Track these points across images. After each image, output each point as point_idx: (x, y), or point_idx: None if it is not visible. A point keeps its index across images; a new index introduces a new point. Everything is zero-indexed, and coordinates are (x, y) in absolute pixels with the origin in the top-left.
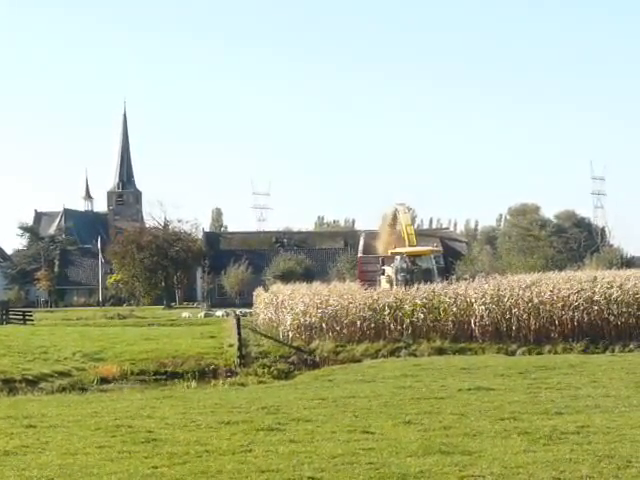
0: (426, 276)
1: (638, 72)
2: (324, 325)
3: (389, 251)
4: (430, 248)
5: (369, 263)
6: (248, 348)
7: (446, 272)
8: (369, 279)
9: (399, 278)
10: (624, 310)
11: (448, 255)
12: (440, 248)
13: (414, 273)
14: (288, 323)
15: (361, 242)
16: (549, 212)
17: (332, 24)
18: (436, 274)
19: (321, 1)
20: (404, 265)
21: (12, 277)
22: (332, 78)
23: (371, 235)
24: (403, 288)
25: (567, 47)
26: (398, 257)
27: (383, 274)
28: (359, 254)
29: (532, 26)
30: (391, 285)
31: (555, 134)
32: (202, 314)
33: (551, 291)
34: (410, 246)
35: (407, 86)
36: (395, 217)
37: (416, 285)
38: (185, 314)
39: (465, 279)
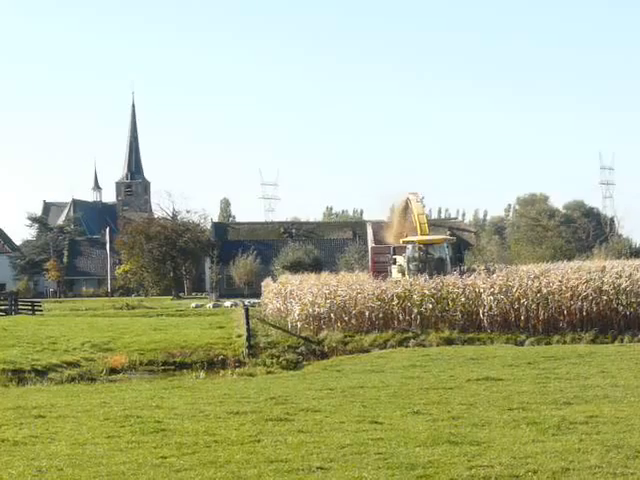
0: (439, 266)
1: None
2: (332, 315)
3: (401, 240)
4: (443, 237)
5: (381, 254)
6: (256, 338)
7: (459, 262)
8: (382, 270)
9: (411, 267)
10: (633, 300)
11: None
12: (453, 237)
13: (427, 262)
14: (296, 313)
15: (369, 232)
16: (558, 202)
17: (338, 14)
18: (449, 264)
19: None
20: (416, 254)
21: (21, 267)
22: (339, 68)
23: (380, 225)
24: (415, 278)
25: (576, 38)
26: (410, 246)
27: (395, 263)
28: (370, 244)
29: (541, 18)
30: (403, 275)
31: (564, 124)
32: (210, 304)
33: (560, 281)
34: (422, 235)
35: (415, 75)
36: (407, 206)
37: (427, 275)
38: (194, 304)
39: (473, 270)
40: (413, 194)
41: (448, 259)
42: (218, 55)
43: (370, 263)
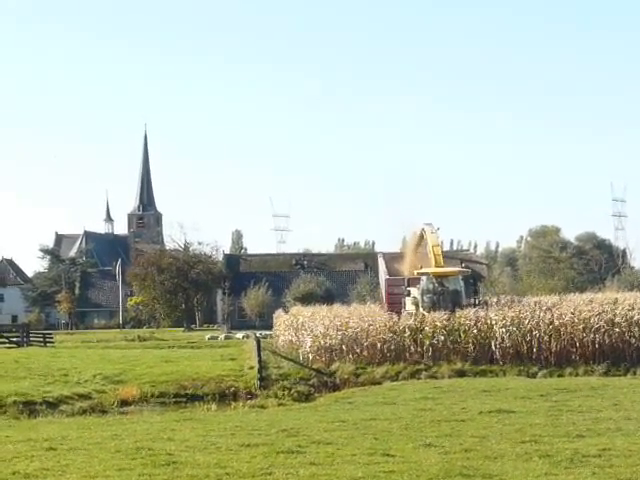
0: (453, 298)
1: None
2: (344, 347)
3: (415, 272)
4: (458, 269)
5: (396, 285)
6: (268, 370)
7: (475, 294)
8: (396, 302)
9: (425, 300)
10: None
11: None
12: (468, 269)
13: (441, 295)
14: (308, 345)
15: (381, 264)
16: (569, 234)
17: (350, 44)
18: (464, 296)
19: (339, 22)
20: (430, 286)
21: (33, 299)
22: (351, 100)
23: (392, 257)
24: (429, 310)
25: (586, 68)
26: (424, 278)
27: (408, 295)
28: (383, 276)
29: (553, 49)
30: (417, 307)
31: (575, 156)
32: (222, 336)
33: (572, 313)
34: (437, 267)
35: (425, 106)
36: (422, 237)
37: (442, 308)
38: (208, 335)
39: (486, 302)
40: (428, 225)
41: (463, 291)
42: (230, 87)
43: (384, 295)
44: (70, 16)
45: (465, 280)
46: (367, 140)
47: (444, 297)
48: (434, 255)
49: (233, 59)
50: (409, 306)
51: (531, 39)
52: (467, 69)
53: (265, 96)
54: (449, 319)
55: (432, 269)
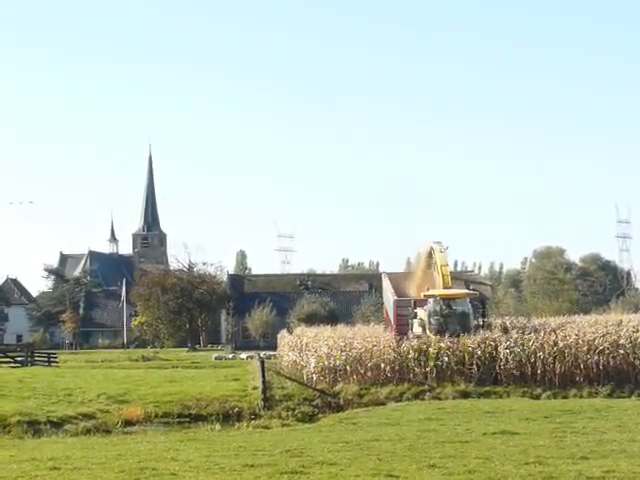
0: (461, 320)
1: None
2: (348, 368)
3: (422, 293)
4: (466, 291)
5: (404, 307)
6: (272, 391)
7: (483, 317)
8: (405, 324)
9: (432, 322)
10: None
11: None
12: (476, 292)
13: (449, 317)
14: (312, 366)
15: (386, 284)
16: (574, 255)
17: (354, 67)
18: (472, 319)
19: (343, 50)
20: (438, 308)
21: (37, 319)
22: (354, 121)
23: (398, 277)
24: (436, 333)
25: (591, 90)
26: (431, 300)
27: (415, 317)
28: (393, 297)
29: (556, 70)
30: (424, 329)
31: (580, 177)
32: (230, 356)
33: (576, 335)
34: (445, 288)
35: (428, 126)
36: (430, 256)
37: (449, 331)
38: (215, 355)
39: (490, 324)
40: (437, 243)
41: (471, 314)
42: (235, 107)
43: (393, 318)
44: (72, 38)
45: (472, 302)
46: (370, 160)
47: (452, 319)
48: (442, 275)
49: (237, 80)
50: (416, 328)
51: (538, 58)
52: (470, 87)
53: (269, 116)
54: (453, 341)
55: (440, 291)
